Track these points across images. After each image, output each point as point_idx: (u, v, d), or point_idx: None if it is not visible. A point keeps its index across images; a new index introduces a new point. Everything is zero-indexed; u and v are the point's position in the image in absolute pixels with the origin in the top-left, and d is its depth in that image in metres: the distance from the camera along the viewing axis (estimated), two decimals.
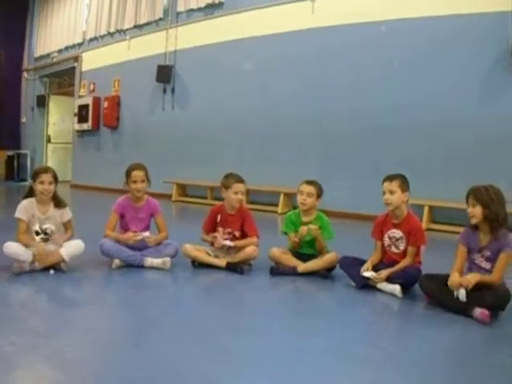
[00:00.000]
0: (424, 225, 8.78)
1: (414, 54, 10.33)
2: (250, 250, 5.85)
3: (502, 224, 4.48)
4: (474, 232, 4.69)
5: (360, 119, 11.01)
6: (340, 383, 3.07)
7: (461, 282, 4.33)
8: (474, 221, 4.55)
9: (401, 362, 3.41)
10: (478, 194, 4.49)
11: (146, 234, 5.90)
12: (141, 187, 5.95)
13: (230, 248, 5.90)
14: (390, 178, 5.25)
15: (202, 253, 5.98)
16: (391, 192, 5.17)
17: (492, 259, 4.55)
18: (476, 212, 4.50)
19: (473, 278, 4.34)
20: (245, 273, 5.71)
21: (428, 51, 10.14)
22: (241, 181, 6.04)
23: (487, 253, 4.59)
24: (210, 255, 6.00)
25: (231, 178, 6.04)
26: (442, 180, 9.83)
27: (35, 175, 5.51)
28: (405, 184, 5.23)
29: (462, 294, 4.34)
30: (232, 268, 5.78)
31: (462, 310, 4.34)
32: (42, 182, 5.45)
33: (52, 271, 5.37)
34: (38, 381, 2.99)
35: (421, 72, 10.22)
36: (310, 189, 5.84)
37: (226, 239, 5.88)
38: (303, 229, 5.72)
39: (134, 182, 5.93)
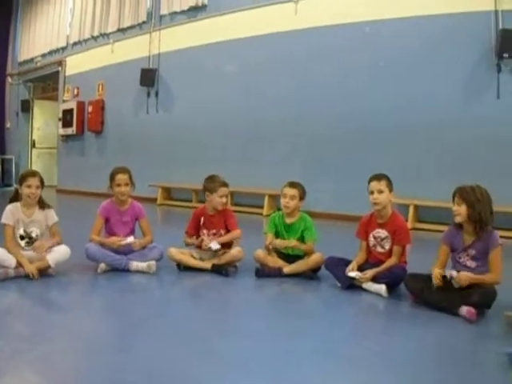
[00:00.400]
0: (409, 224, 8.81)
1: (398, 55, 10.36)
2: (235, 252, 5.87)
3: (486, 224, 4.50)
4: (457, 231, 4.70)
5: (344, 121, 11.03)
6: (330, 382, 3.07)
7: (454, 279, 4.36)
8: (458, 219, 4.55)
9: (387, 361, 3.41)
10: (464, 193, 4.50)
11: (131, 238, 5.87)
12: (125, 190, 5.92)
13: (216, 250, 5.89)
14: (377, 178, 5.24)
15: (187, 256, 5.97)
16: (380, 191, 5.17)
17: (478, 258, 4.56)
18: (461, 211, 4.50)
19: (464, 277, 4.37)
20: (230, 275, 5.71)
21: (412, 52, 10.18)
22: (225, 184, 6.06)
23: (472, 252, 4.59)
24: (195, 258, 5.99)
25: (216, 182, 6.03)
26: (427, 179, 9.86)
27: (22, 179, 5.47)
28: (391, 183, 5.24)
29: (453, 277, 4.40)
30: (217, 270, 5.77)
31: (449, 308, 4.35)
32: (29, 186, 5.42)
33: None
34: None
35: (405, 73, 10.25)
36: (293, 191, 5.84)
37: (212, 240, 5.87)
38: (280, 243, 5.77)
39: (118, 185, 5.90)
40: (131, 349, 3.54)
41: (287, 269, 5.70)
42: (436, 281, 4.47)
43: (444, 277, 4.50)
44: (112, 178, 5.95)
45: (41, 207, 5.59)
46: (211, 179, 6.10)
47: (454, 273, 4.44)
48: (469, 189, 4.52)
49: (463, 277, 4.36)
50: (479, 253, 4.55)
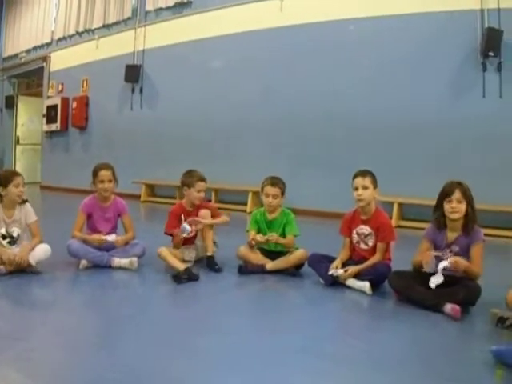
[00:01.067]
0: (394, 222, 8.81)
1: (382, 53, 10.36)
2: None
3: (475, 221, 4.49)
4: (440, 228, 4.68)
5: (329, 118, 11.03)
6: (313, 381, 3.03)
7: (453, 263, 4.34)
8: (456, 216, 4.50)
9: (371, 358, 3.39)
10: (466, 191, 4.49)
11: (113, 236, 5.84)
12: (108, 187, 5.87)
13: (191, 232, 5.87)
14: (362, 174, 5.21)
15: (173, 258, 5.83)
16: (365, 187, 5.14)
17: (461, 254, 4.53)
18: (462, 208, 4.47)
19: (460, 262, 4.35)
20: (198, 279, 5.48)
21: (397, 50, 10.18)
22: (203, 179, 6.05)
23: (456, 248, 4.58)
24: (183, 261, 5.91)
25: (194, 177, 6.02)
26: (412, 177, 9.87)
27: (7, 179, 5.37)
28: (375, 180, 5.22)
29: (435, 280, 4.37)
30: (187, 276, 5.49)
31: (433, 305, 4.32)
32: (17, 185, 5.37)
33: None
34: None
35: (390, 72, 10.26)
36: (276, 190, 5.83)
37: (191, 232, 5.84)
38: (261, 238, 5.73)
39: (102, 181, 5.85)
40: (112, 346, 3.51)
41: (270, 265, 5.68)
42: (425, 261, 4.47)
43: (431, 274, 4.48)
44: (95, 174, 5.89)
45: (20, 203, 5.52)
46: (189, 174, 6.09)
47: (446, 263, 4.41)
48: (466, 186, 4.52)
49: (460, 262, 4.34)
50: (462, 249, 4.54)
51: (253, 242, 5.75)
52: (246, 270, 5.68)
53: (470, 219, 4.49)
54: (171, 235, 5.99)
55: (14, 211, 5.46)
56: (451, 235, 4.61)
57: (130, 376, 3.00)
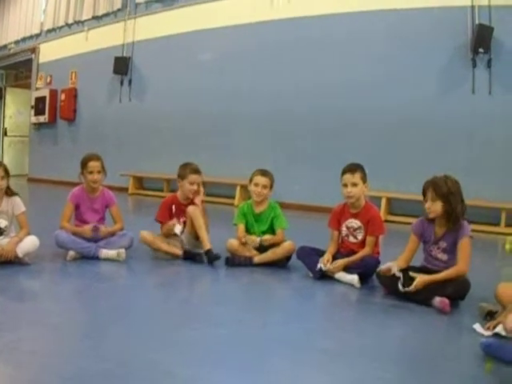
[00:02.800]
0: (381, 217, 8.81)
1: (373, 49, 10.36)
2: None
3: (460, 217, 4.46)
4: (428, 224, 4.66)
5: (319, 113, 11.05)
6: (301, 374, 3.01)
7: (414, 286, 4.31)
8: (432, 215, 4.50)
9: (361, 351, 3.38)
10: (438, 189, 4.41)
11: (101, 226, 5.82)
12: (97, 178, 5.83)
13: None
14: (351, 170, 5.17)
15: (159, 240, 5.92)
16: (354, 184, 5.12)
17: (448, 250, 4.54)
18: (436, 207, 4.43)
19: (420, 283, 4.31)
20: (205, 261, 5.64)
21: (387, 45, 10.18)
22: (197, 171, 6.01)
23: (443, 244, 4.57)
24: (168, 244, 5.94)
25: (187, 169, 6.00)
26: (400, 173, 9.91)
27: None
28: (365, 175, 5.19)
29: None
30: (190, 256, 5.72)
31: (422, 299, 4.31)
32: None
33: None
34: None
35: (381, 67, 10.25)
36: (265, 180, 5.83)
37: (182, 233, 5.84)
38: (253, 239, 5.73)
39: (91, 172, 5.80)
40: (100, 337, 3.47)
41: (258, 258, 5.67)
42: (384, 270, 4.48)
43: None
44: (84, 164, 5.84)
45: (8, 195, 5.45)
46: (184, 166, 6.09)
47: (395, 268, 4.40)
48: (442, 182, 4.44)
49: (418, 283, 4.30)
50: (450, 245, 4.53)
51: (243, 240, 5.74)
52: (234, 262, 5.65)
53: (451, 216, 4.45)
54: (161, 223, 6.00)
55: (0, 202, 5.40)
56: (439, 230, 4.59)
57: (119, 367, 2.97)
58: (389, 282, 4.59)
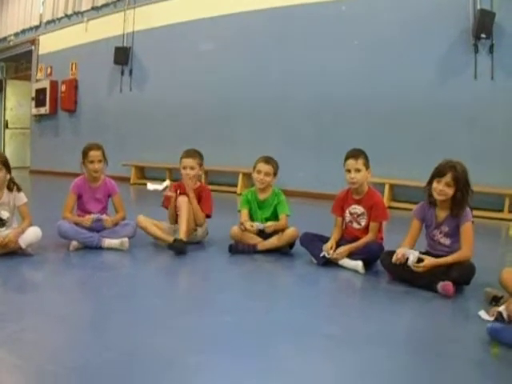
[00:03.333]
0: (385, 203, 8.81)
1: (374, 35, 10.33)
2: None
3: (465, 204, 4.45)
4: (430, 207, 4.64)
5: (320, 100, 11.04)
6: (306, 360, 3.00)
7: (423, 266, 4.30)
8: (441, 198, 4.45)
9: (366, 336, 3.37)
10: (458, 176, 4.37)
11: (104, 216, 5.80)
12: (98, 167, 5.80)
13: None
14: (354, 156, 5.14)
15: (153, 227, 5.93)
16: (357, 170, 5.10)
17: (451, 235, 4.52)
18: (449, 192, 4.39)
19: (429, 264, 4.31)
20: (186, 253, 5.56)
21: (389, 31, 10.15)
22: (188, 155, 6.01)
23: (445, 228, 4.55)
24: (161, 230, 5.96)
25: (183, 153, 6.02)
26: (403, 159, 9.88)
27: None
28: (367, 161, 5.17)
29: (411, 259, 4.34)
30: (176, 247, 5.55)
31: (427, 284, 4.30)
32: None
33: None
34: None
35: (382, 52, 10.23)
36: (268, 168, 5.80)
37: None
38: (253, 226, 5.69)
39: (91, 162, 5.77)
40: (104, 327, 3.47)
41: (261, 245, 5.66)
42: (396, 258, 4.43)
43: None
44: (85, 154, 5.82)
45: (9, 189, 5.42)
46: (184, 151, 6.06)
47: (412, 257, 4.37)
48: (460, 169, 4.40)
49: (427, 263, 4.30)
50: (452, 229, 4.51)
51: (242, 228, 5.71)
52: (237, 249, 5.64)
53: (459, 204, 4.43)
54: (166, 208, 6.05)
55: (1, 194, 5.37)
56: (441, 214, 4.57)
57: (123, 356, 2.95)
58: (393, 267, 4.58)
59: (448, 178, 4.39)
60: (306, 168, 11.08)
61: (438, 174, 4.47)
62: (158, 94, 13.94)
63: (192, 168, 5.93)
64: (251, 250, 5.63)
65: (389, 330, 3.50)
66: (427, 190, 4.59)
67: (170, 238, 5.73)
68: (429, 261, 4.31)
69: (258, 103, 11.96)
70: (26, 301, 4.08)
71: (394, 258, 4.43)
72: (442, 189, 4.42)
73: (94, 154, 5.79)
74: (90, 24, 15.85)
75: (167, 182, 5.79)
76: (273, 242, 5.66)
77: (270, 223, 5.66)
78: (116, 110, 15.02)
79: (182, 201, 5.80)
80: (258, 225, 5.67)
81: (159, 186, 5.72)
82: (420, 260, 4.35)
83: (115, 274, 5.07)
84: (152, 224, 5.94)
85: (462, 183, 4.37)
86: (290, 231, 5.60)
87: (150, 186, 5.66)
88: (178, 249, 5.50)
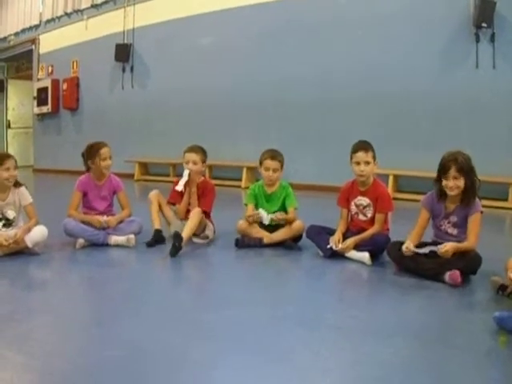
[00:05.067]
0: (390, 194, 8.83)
1: (375, 23, 10.32)
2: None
3: (476, 192, 4.44)
4: (439, 198, 4.63)
5: (322, 91, 11.02)
6: (315, 352, 3.01)
7: (442, 253, 4.29)
8: (455, 192, 4.44)
9: (373, 328, 3.38)
10: (462, 166, 4.35)
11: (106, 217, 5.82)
12: (110, 163, 5.86)
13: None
14: (365, 148, 5.15)
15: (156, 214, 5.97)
16: (367, 163, 5.10)
17: (459, 225, 4.53)
18: (459, 184, 4.37)
19: (451, 247, 4.29)
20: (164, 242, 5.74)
21: (390, 21, 10.14)
22: (191, 150, 6.00)
23: (454, 218, 4.55)
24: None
25: (186, 148, 6.03)
26: (406, 150, 9.87)
27: None
28: (375, 153, 5.18)
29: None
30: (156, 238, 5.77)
31: (434, 275, 4.31)
32: (7, 169, 5.21)
33: None
34: (2, 365, 2.85)
35: (383, 42, 10.22)
36: (276, 164, 5.78)
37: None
38: (260, 217, 5.71)
39: (104, 159, 5.78)
40: (113, 324, 3.47)
41: (268, 238, 5.66)
42: (405, 251, 4.43)
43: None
44: (96, 152, 5.78)
45: (15, 186, 5.43)
46: (188, 146, 6.08)
47: (432, 248, 4.38)
48: (462, 158, 4.39)
49: (448, 247, 4.29)
50: (461, 219, 4.52)
51: (250, 220, 5.72)
52: (244, 243, 5.64)
53: (469, 192, 4.43)
54: (173, 204, 6.05)
55: (7, 194, 5.37)
56: (450, 205, 4.57)
57: (133, 353, 2.96)
58: (400, 258, 4.59)
59: (453, 171, 4.38)
60: (310, 161, 11.08)
61: (443, 170, 4.46)
62: (160, 90, 13.94)
63: (195, 163, 5.90)
64: (258, 244, 5.62)
65: (396, 320, 3.51)
66: (437, 186, 4.59)
67: (176, 225, 5.79)
68: (450, 245, 4.30)
69: (260, 97, 11.96)
70: (33, 299, 4.10)
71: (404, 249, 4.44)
72: (453, 184, 4.40)
73: (106, 151, 5.81)
74: (90, 22, 15.84)
75: (186, 172, 5.77)
76: (279, 235, 5.66)
77: (279, 213, 5.67)
78: (118, 107, 15.01)
79: (197, 211, 5.80)
80: (266, 215, 5.68)
81: (184, 178, 5.68)
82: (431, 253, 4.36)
83: (122, 270, 5.09)
84: (163, 203, 5.99)
85: (467, 171, 4.36)
86: (296, 225, 5.61)
87: (180, 185, 5.63)
88: (157, 240, 5.76)
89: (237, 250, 5.57)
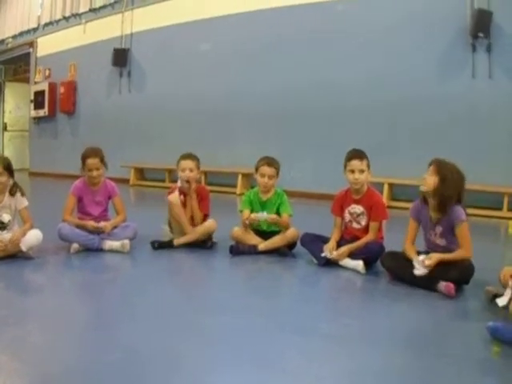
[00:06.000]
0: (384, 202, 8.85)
1: (372, 33, 10.34)
2: (208, 224, 5.88)
3: (447, 202, 4.43)
4: (423, 206, 4.65)
5: (318, 98, 11.06)
6: (309, 360, 3.01)
7: (427, 264, 4.29)
8: (423, 188, 4.47)
9: (366, 337, 3.38)
10: (440, 166, 4.41)
11: (102, 223, 5.80)
12: (96, 175, 5.79)
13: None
14: (360, 157, 5.15)
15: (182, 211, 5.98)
16: (361, 171, 5.11)
17: (445, 235, 4.53)
18: (429, 181, 4.40)
19: (435, 260, 4.29)
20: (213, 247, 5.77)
21: (387, 30, 10.16)
22: (187, 157, 6.00)
23: (440, 229, 4.56)
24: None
25: (180, 157, 6.02)
26: (401, 158, 9.89)
27: None
28: (369, 162, 5.19)
29: (418, 268, 4.34)
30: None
31: (427, 284, 4.31)
32: None
33: None
34: None
35: (380, 51, 10.25)
36: (272, 171, 5.80)
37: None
38: (256, 216, 5.69)
39: (90, 170, 5.76)
40: (109, 328, 3.47)
41: (262, 245, 5.65)
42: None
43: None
44: (83, 161, 5.79)
45: (11, 194, 5.40)
46: (181, 155, 6.08)
47: (421, 258, 4.38)
48: (446, 163, 4.44)
49: (433, 258, 4.30)
50: (446, 230, 4.52)
51: (247, 222, 5.73)
52: (238, 250, 5.63)
53: (440, 197, 4.43)
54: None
55: (2, 197, 5.36)
56: (434, 215, 4.58)
57: (129, 357, 2.96)
58: (393, 268, 4.61)
59: (432, 167, 4.46)
60: (305, 168, 11.09)
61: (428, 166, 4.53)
62: (157, 96, 13.96)
63: (191, 170, 5.92)
64: (252, 251, 5.62)
65: (390, 329, 3.51)
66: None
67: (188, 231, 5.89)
68: (435, 256, 4.31)
69: (258, 104, 11.98)
70: (28, 304, 4.09)
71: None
72: (424, 177, 4.46)
73: (92, 162, 5.75)
74: (88, 26, 15.87)
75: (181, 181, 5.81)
76: (273, 242, 5.66)
77: (273, 215, 5.67)
78: (115, 112, 15.02)
79: (212, 224, 5.92)
80: (261, 215, 5.67)
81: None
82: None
83: (116, 275, 5.10)
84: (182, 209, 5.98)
85: (444, 175, 4.37)
86: (290, 232, 5.62)
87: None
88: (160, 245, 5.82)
89: (232, 257, 5.55)
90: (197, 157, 6.06)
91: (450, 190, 4.40)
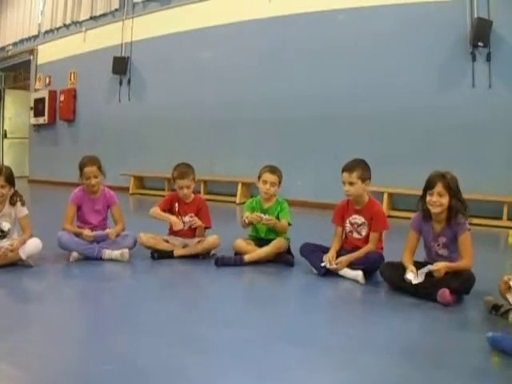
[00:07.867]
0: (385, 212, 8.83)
1: (372, 42, 10.34)
2: (211, 240, 5.86)
3: (460, 213, 4.45)
4: (426, 219, 4.64)
5: (319, 108, 11.03)
6: (308, 370, 3.01)
7: (435, 271, 4.29)
8: (438, 210, 4.45)
9: (365, 347, 3.37)
10: (450, 183, 4.39)
11: (107, 231, 5.83)
12: (95, 183, 5.80)
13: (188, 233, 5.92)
14: (349, 169, 5.14)
15: (158, 241, 5.95)
16: (351, 183, 5.11)
17: (448, 245, 4.55)
18: (443, 201, 4.40)
19: (443, 267, 4.30)
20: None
21: (387, 39, 10.16)
22: (183, 176, 5.96)
23: (443, 239, 4.57)
24: (167, 242, 5.99)
25: (175, 173, 5.99)
26: (401, 167, 9.88)
27: None
28: (365, 173, 5.16)
29: (411, 276, 4.34)
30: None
31: (427, 295, 4.30)
32: None
33: None
34: None
35: (380, 60, 10.25)
36: (274, 178, 5.82)
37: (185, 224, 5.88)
38: (256, 217, 5.68)
39: (87, 178, 5.78)
40: (106, 338, 3.47)
41: (248, 256, 5.62)
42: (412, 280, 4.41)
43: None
44: (80, 170, 5.82)
45: (11, 204, 5.41)
46: (174, 168, 6.06)
47: (426, 269, 4.37)
48: (450, 177, 4.43)
49: (440, 267, 4.29)
50: (450, 240, 4.53)
51: (246, 220, 5.72)
52: (223, 261, 5.58)
53: (454, 212, 4.44)
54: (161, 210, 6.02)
55: (3, 205, 5.36)
56: (437, 226, 4.59)
57: (126, 367, 2.96)
58: (393, 278, 4.61)
59: (439, 187, 4.41)
60: (305, 178, 11.07)
61: (429, 186, 4.50)
62: (157, 104, 13.94)
63: (188, 187, 5.94)
64: (238, 263, 5.58)
65: (389, 339, 3.50)
66: (421, 205, 4.61)
67: (180, 250, 5.93)
68: (442, 265, 4.31)
69: (258, 113, 11.96)
70: (27, 312, 4.08)
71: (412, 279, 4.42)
72: (436, 200, 4.42)
73: (89, 171, 5.77)
74: (89, 34, 15.87)
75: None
76: (260, 252, 5.65)
77: (271, 217, 5.67)
78: (114, 120, 15.00)
79: (215, 241, 5.94)
80: (260, 214, 5.67)
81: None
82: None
83: (116, 285, 5.08)
84: (156, 239, 5.97)
85: (453, 190, 4.39)
86: (277, 242, 5.66)
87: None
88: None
89: (231, 267, 5.50)
90: (191, 168, 6.06)
91: (460, 201, 4.43)
